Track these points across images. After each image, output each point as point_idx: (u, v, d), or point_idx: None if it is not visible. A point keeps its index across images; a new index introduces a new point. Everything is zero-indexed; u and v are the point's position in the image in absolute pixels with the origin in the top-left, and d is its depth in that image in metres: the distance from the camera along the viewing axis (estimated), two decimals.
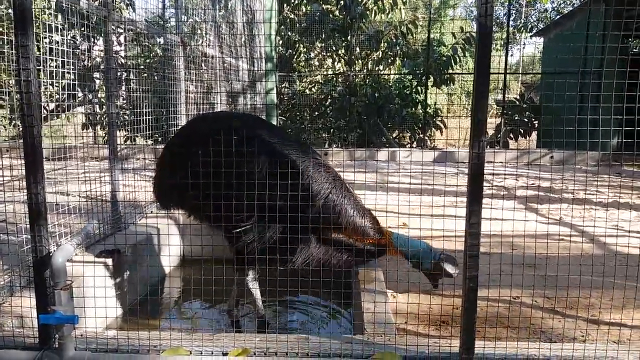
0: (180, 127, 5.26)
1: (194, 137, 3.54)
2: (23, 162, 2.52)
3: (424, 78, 12.41)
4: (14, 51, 2.53)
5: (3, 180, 4.10)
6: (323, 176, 3.41)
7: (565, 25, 13.48)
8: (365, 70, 13.28)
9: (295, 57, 13.13)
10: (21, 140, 2.51)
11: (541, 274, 3.82)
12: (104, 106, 9.05)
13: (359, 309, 3.38)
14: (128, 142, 8.29)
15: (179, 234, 5.17)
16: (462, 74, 13.49)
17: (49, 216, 2.65)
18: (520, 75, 18.53)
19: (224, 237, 3.53)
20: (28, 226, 2.58)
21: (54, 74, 3.81)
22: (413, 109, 12.93)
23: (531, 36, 18.35)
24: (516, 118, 13.25)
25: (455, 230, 2.93)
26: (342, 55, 13.48)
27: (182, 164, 3.43)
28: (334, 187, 3.42)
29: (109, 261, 3.87)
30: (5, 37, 3.61)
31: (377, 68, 13.35)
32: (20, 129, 2.56)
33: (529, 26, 19.39)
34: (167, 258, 4.88)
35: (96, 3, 5.88)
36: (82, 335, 2.73)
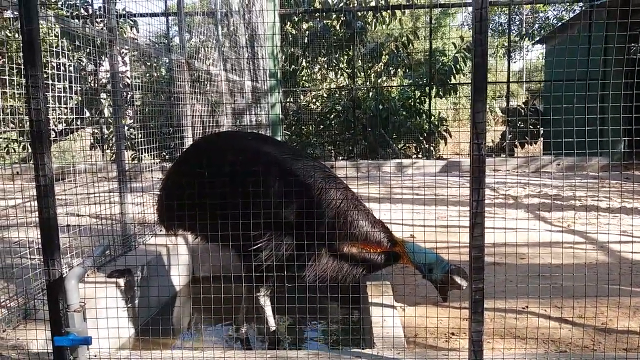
0: (187, 148, 5.29)
1: (204, 159, 3.52)
2: (34, 184, 2.57)
3: (427, 88, 12.47)
4: (22, 79, 2.58)
5: (15, 203, 4.17)
6: (334, 189, 3.44)
7: (568, 33, 13.50)
8: (368, 83, 13.36)
9: (298, 72, 13.24)
10: (32, 163, 2.56)
11: (550, 283, 3.82)
12: (111, 126, 9.17)
13: (368, 323, 3.40)
14: (135, 160, 8.37)
15: (189, 253, 5.21)
16: (465, 84, 13.51)
17: (60, 239, 2.70)
18: (524, 82, 18.50)
19: (236, 255, 3.54)
20: (41, 249, 2.63)
21: (61, 98, 3.89)
22: (417, 118, 12.98)
23: (533, 44, 18.32)
24: (521, 126, 13.26)
25: (459, 242, 2.96)
26: (344, 68, 13.58)
27: (192, 184, 3.35)
28: (345, 199, 3.45)
29: (121, 281, 3.91)
30: (14, 65, 3.67)
31: (379, 80, 13.44)
32: (30, 150, 2.61)
33: (531, 34, 19.37)
34: (177, 277, 4.92)
35: (101, 25, 6.00)
36: (95, 356, 2.78)
